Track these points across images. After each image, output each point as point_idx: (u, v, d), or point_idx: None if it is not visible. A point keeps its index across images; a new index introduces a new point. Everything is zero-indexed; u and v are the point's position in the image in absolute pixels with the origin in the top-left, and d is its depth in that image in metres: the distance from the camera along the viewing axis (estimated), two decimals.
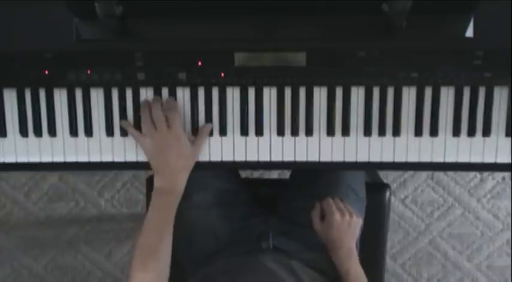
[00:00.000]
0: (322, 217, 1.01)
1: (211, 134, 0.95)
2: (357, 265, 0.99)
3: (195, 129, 0.94)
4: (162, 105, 0.91)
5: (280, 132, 0.94)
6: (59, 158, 0.96)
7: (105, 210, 1.87)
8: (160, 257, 0.87)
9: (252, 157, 0.95)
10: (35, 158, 0.96)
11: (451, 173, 1.79)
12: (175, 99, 0.93)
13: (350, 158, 0.94)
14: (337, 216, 0.97)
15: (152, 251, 0.86)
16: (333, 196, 1.03)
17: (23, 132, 0.95)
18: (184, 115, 0.94)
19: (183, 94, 0.94)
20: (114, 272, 1.93)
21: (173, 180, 0.90)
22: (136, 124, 0.94)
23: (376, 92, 0.92)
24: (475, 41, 0.89)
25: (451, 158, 0.94)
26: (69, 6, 0.88)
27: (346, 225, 0.98)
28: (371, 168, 1.01)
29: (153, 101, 0.91)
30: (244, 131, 0.94)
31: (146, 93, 0.94)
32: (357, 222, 1.00)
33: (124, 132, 0.95)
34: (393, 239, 1.85)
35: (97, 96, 0.94)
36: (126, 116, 0.94)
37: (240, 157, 0.95)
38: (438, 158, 0.94)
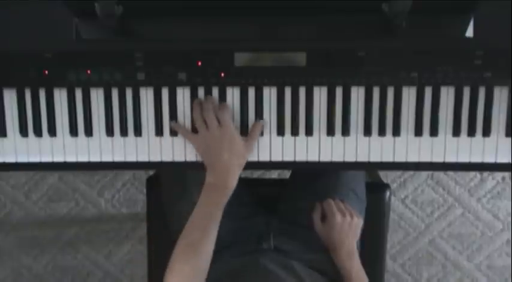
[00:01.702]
0: (323, 218, 1.01)
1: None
2: (358, 265, 0.99)
3: (195, 129, 0.94)
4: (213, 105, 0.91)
5: (280, 132, 0.94)
6: (59, 158, 0.96)
7: (105, 210, 1.87)
8: (203, 252, 0.86)
9: (252, 157, 0.95)
10: (35, 158, 0.96)
11: (451, 173, 1.79)
12: (176, 99, 0.93)
13: (350, 158, 0.94)
14: (338, 217, 0.97)
15: (196, 245, 0.86)
16: (333, 197, 1.03)
17: (23, 132, 0.95)
18: (185, 115, 0.94)
19: (183, 94, 0.94)
20: (114, 272, 1.93)
21: (226, 177, 0.89)
22: (136, 124, 0.94)
23: (376, 92, 0.92)
24: (475, 41, 0.89)
25: (451, 158, 0.94)
26: (69, 6, 0.88)
27: (347, 226, 0.98)
28: (371, 168, 1.01)
29: (205, 101, 0.91)
30: (244, 131, 0.94)
31: (146, 93, 0.94)
32: (357, 223, 1.00)
33: (124, 132, 0.95)
34: (393, 239, 1.85)
35: (97, 96, 0.94)
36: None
37: None
38: (438, 158, 0.94)
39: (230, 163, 0.89)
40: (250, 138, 0.92)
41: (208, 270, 0.87)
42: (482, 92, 0.92)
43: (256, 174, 1.76)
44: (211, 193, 0.89)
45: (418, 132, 0.93)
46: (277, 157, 0.95)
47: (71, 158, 0.96)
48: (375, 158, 0.94)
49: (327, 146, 0.94)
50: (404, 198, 1.82)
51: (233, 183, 0.90)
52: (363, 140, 0.94)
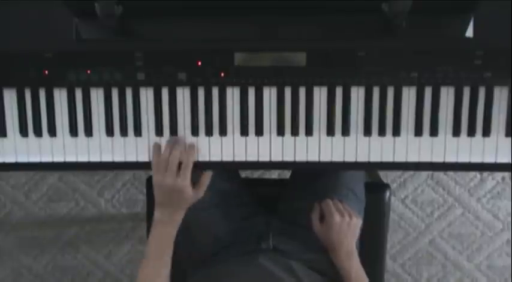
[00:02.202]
0: (322, 218, 1.01)
1: (211, 134, 0.95)
2: (357, 266, 0.99)
3: (195, 129, 0.94)
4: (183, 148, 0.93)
5: (280, 132, 0.94)
6: (59, 158, 0.96)
7: (105, 210, 1.87)
8: (161, 277, 0.94)
9: (252, 157, 0.95)
10: (35, 158, 0.96)
11: (451, 173, 1.79)
12: (176, 99, 0.93)
13: (350, 158, 0.94)
14: (337, 217, 0.97)
15: (155, 273, 0.94)
16: (332, 197, 1.03)
17: (23, 132, 0.95)
18: (184, 115, 0.94)
19: (183, 94, 0.94)
20: (114, 272, 1.93)
21: (172, 215, 0.95)
22: (136, 124, 0.94)
23: (376, 92, 0.92)
24: (475, 41, 0.89)
25: (451, 158, 0.94)
26: (69, 6, 0.88)
27: (346, 227, 0.98)
28: (371, 168, 1.01)
29: (177, 145, 0.92)
30: (244, 131, 0.94)
31: (146, 93, 0.94)
32: (356, 223, 1.00)
33: (124, 132, 0.95)
34: (393, 239, 1.85)
35: (97, 96, 0.94)
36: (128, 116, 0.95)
37: (240, 157, 0.95)
38: (438, 158, 0.94)
39: (178, 206, 0.95)
40: (200, 186, 0.96)
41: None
42: (482, 92, 0.92)
43: (256, 174, 1.76)
44: (160, 228, 0.95)
45: (418, 132, 0.93)
46: (277, 157, 0.95)
47: (71, 158, 0.96)
48: (375, 158, 0.94)
49: (327, 146, 0.94)
50: (404, 198, 1.82)
51: (179, 220, 0.96)
52: (363, 140, 0.94)
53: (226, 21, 0.91)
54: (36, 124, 0.95)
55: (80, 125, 0.95)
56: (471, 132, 0.93)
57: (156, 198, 0.95)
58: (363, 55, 0.90)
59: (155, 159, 0.92)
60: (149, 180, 1.24)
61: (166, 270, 0.95)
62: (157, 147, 0.94)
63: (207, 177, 0.97)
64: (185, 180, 0.91)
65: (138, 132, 0.95)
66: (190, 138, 0.94)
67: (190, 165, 0.92)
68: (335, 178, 1.10)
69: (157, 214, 0.95)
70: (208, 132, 0.95)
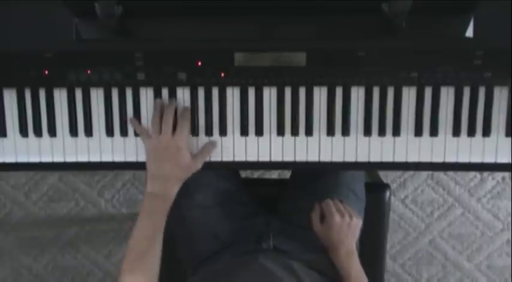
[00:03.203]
0: (322, 218, 1.01)
1: (211, 134, 0.95)
2: (357, 266, 0.99)
3: (195, 129, 0.94)
4: (176, 110, 0.91)
5: (280, 132, 0.94)
6: (59, 158, 0.96)
7: (105, 210, 1.87)
8: (149, 261, 0.87)
9: (252, 157, 0.95)
10: (35, 158, 0.96)
11: (451, 173, 1.79)
12: (176, 99, 0.93)
13: (350, 158, 0.94)
14: (337, 217, 0.97)
15: (142, 254, 0.87)
16: (332, 197, 1.03)
17: (23, 132, 0.95)
18: None
19: (183, 94, 0.94)
20: (114, 272, 1.93)
21: (166, 186, 0.91)
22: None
23: (376, 92, 0.92)
24: (475, 41, 0.89)
25: (451, 158, 0.94)
26: (69, 6, 0.88)
27: (346, 227, 0.98)
28: (371, 168, 1.01)
29: (169, 104, 0.91)
30: (244, 131, 0.94)
31: (146, 93, 0.94)
32: (356, 224, 1.00)
33: (124, 132, 0.95)
34: (393, 239, 1.85)
35: (97, 96, 0.94)
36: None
37: (240, 157, 0.95)
38: (438, 158, 0.94)
39: (170, 174, 0.90)
40: (199, 155, 0.92)
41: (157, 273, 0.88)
42: (482, 92, 0.92)
43: (256, 174, 1.76)
44: (152, 202, 0.90)
45: (418, 132, 0.93)
46: (277, 157, 0.95)
47: (71, 158, 0.96)
48: (375, 158, 0.94)
49: (327, 146, 0.94)
50: (404, 198, 1.82)
51: (172, 194, 0.91)
52: (363, 140, 0.94)
53: (226, 21, 0.91)
54: (36, 124, 0.95)
55: (80, 125, 0.95)
56: (471, 132, 0.93)
57: (148, 170, 0.91)
58: (363, 55, 0.90)
59: (154, 119, 0.90)
60: None
61: (158, 247, 0.89)
62: (136, 122, 0.93)
63: (208, 146, 0.93)
64: (182, 138, 0.89)
65: None
66: (190, 138, 0.94)
67: (186, 125, 0.90)
68: (335, 178, 1.10)
69: (149, 187, 0.90)
70: (208, 132, 0.95)
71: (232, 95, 0.94)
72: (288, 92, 0.93)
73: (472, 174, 1.80)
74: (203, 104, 0.94)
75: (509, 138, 0.93)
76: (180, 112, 0.92)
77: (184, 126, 0.90)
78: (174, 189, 0.91)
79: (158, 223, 0.90)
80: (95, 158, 0.96)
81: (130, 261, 0.86)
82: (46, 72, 0.92)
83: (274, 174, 1.78)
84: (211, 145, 0.94)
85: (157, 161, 0.90)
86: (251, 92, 0.93)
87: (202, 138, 0.95)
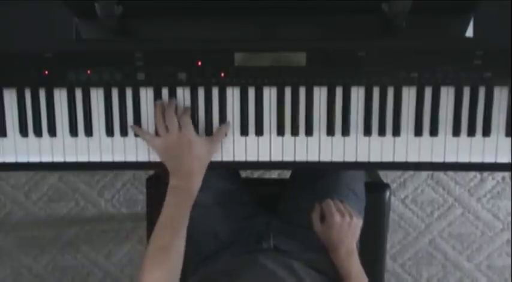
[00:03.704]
0: (322, 218, 1.01)
1: (211, 133, 0.95)
2: (358, 265, 0.99)
3: (195, 129, 0.94)
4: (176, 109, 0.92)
5: (280, 132, 0.94)
6: (59, 158, 0.96)
7: (105, 210, 1.87)
8: (173, 257, 0.86)
9: (252, 157, 0.95)
10: (35, 158, 0.96)
11: (451, 173, 1.79)
12: (176, 99, 0.93)
13: (350, 158, 0.94)
14: (337, 217, 0.97)
15: (166, 248, 0.86)
16: (332, 197, 1.03)
17: (23, 132, 0.95)
18: None
19: (183, 94, 0.94)
20: (114, 272, 1.93)
21: (189, 180, 0.90)
22: (136, 124, 0.94)
23: (376, 92, 0.92)
24: (475, 41, 0.89)
25: (451, 158, 0.94)
26: (69, 6, 0.88)
27: (347, 227, 0.98)
28: (371, 168, 1.01)
29: (168, 104, 0.92)
30: (244, 131, 0.94)
31: (146, 93, 0.94)
32: (357, 223, 1.00)
33: (124, 132, 0.95)
34: (393, 239, 1.85)
35: (97, 96, 0.94)
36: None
37: (240, 157, 0.95)
38: (438, 158, 0.94)
39: (192, 166, 0.89)
40: (214, 139, 0.93)
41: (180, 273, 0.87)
42: (482, 92, 0.92)
43: (256, 174, 1.76)
44: (176, 196, 0.89)
45: (418, 132, 0.93)
46: (277, 157, 0.95)
47: (71, 158, 0.96)
48: (375, 158, 0.94)
49: (327, 146, 0.94)
50: (404, 198, 1.82)
51: (197, 185, 0.91)
52: (363, 140, 0.94)
53: (226, 21, 0.91)
54: (36, 124, 0.95)
55: (80, 125, 0.95)
56: (471, 132, 0.93)
57: (168, 166, 0.91)
58: (363, 55, 0.90)
59: (157, 120, 0.91)
60: (149, 180, 1.24)
61: (181, 242, 0.88)
62: (138, 128, 0.93)
63: (222, 129, 0.93)
64: (189, 130, 0.89)
65: None
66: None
67: (189, 120, 0.90)
68: (335, 178, 1.10)
69: (172, 181, 0.90)
70: (208, 132, 0.94)
71: (232, 95, 0.94)
72: (288, 92, 0.93)
73: (472, 174, 1.80)
74: (203, 104, 0.94)
75: (509, 138, 0.93)
76: (179, 109, 0.92)
77: (188, 121, 0.90)
78: (197, 181, 0.91)
79: (182, 216, 0.89)
80: (95, 158, 0.96)
81: (152, 257, 0.85)
82: (46, 72, 0.92)
83: (274, 174, 1.78)
84: (224, 127, 0.93)
85: (174, 158, 0.90)
86: (251, 92, 0.93)
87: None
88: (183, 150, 0.89)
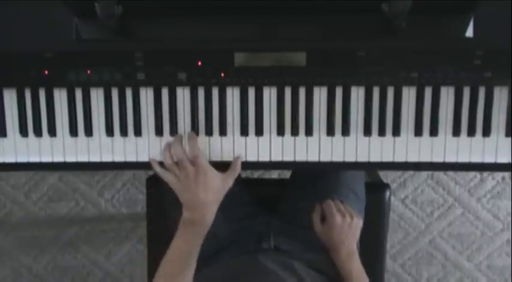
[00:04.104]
0: (323, 219, 1.01)
1: (211, 134, 0.95)
2: (358, 266, 0.99)
3: (195, 129, 0.94)
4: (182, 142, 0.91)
5: (280, 132, 0.94)
6: (59, 158, 0.96)
7: (105, 210, 1.87)
8: None
9: (252, 157, 0.95)
10: (35, 158, 0.96)
11: (451, 173, 1.79)
12: (176, 99, 0.93)
13: (350, 158, 0.94)
14: (338, 218, 0.98)
15: (175, 276, 0.88)
16: (333, 197, 1.03)
17: (23, 132, 0.95)
18: (184, 115, 0.94)
19: (183, 94, 0.94)
20: (114, 272, 1.93)
21: (203, 213, 0.90)
22: (136, 124, 0.94)
23: (376, 92, 0.92)
24: (475, 41, 0.89)
25: (451, 158, 0.94)
26: (69, 6, 0.88)
27: (347, 227, 0.98)
28: (371, 168, 1.01)
29: (174, 141, 0.91)
30: (244, 131, 0.94)
31: (146, 93, 0.94)
32: (357, 224, 1.00)
33: (124, 132, 0.95)
34: (393, 239, 1.85)
35: (97, 96, 0.94)
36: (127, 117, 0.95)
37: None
38: (438, 158, 0.94)
39: (206, 201, 0.89)
40: (230, 172, 0.92)
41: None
42: (482, 92, 0.92)
43: (256, 174, 1.76)
44: (188, 229, 0.90)
45: (418, 132, 0.93)
46: (277, 157, 0.95)
47: (71, 158, 0.96)
48: (375, 158, 0.94)
49: (327, 146, 0.94)
50: (404, 198, 1.82)
51: (210, 217, 0.91)
52: (363, 140, 0.94)
53: (226, 21, 0.91)
54: (36, 124, 0.95)
55: (80, 125, 0.95)
56: (471, 132, 0.93)
57: (182, 200, 0.90)
58: (363, 55, 0.90)
59: (166, 162, 0.90)
60: (149, 180, 1.24)
61: (190, 272, 0.90)
62: (155, 161, 0.92)
63: (236, 162, 0.92)
64: (201, 159, 0.88)
65: (138, 132, 0.95)
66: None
67: (199, 151, 0.90)
68: (336, 178, 1.10)
69: (185, 214, 0.90)
70: (208, 132, 0.95)
71: (232, 95, 0.94)
72: (288, 92, 0.93)
73: (472, 174, 1.80)
74: (203, 104, 0.94)
75: (509, 138, 0.93)
76: (187, 142, 0.91)
77: (198, 152, 0.89)
78: (211, 214, 0.91)
79: (194, 248, 0.91)
80: (95, 158, 0.96)
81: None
82: (46, 72, 0.92)
83: (274, 174, 1.78)
84: (239, 160, 0.93)
85: (188, 192, 0.89)
86: (251, 92, 0.93)
87: (202, 138, 0.95)
88: (199, 184, 0.88)
